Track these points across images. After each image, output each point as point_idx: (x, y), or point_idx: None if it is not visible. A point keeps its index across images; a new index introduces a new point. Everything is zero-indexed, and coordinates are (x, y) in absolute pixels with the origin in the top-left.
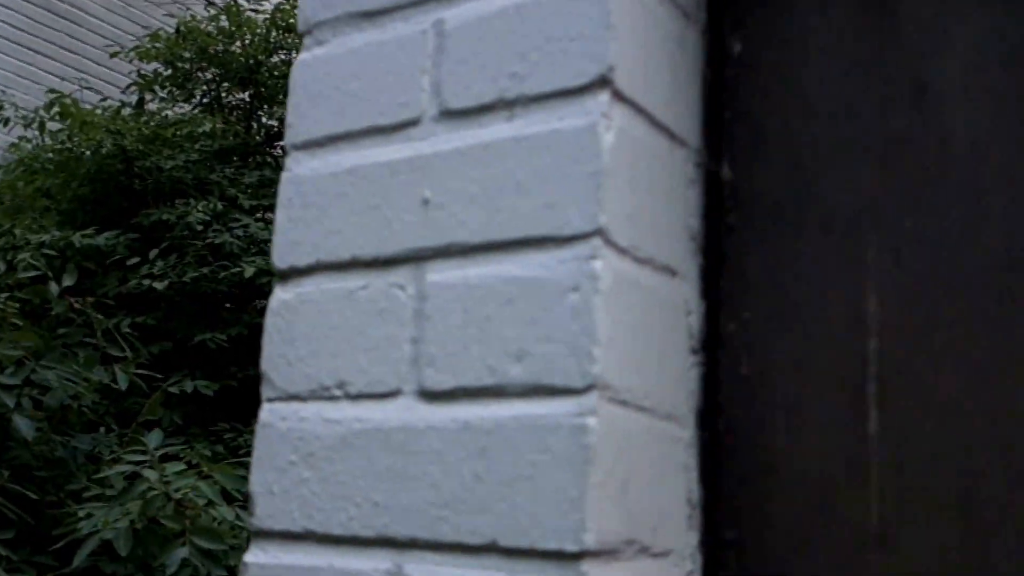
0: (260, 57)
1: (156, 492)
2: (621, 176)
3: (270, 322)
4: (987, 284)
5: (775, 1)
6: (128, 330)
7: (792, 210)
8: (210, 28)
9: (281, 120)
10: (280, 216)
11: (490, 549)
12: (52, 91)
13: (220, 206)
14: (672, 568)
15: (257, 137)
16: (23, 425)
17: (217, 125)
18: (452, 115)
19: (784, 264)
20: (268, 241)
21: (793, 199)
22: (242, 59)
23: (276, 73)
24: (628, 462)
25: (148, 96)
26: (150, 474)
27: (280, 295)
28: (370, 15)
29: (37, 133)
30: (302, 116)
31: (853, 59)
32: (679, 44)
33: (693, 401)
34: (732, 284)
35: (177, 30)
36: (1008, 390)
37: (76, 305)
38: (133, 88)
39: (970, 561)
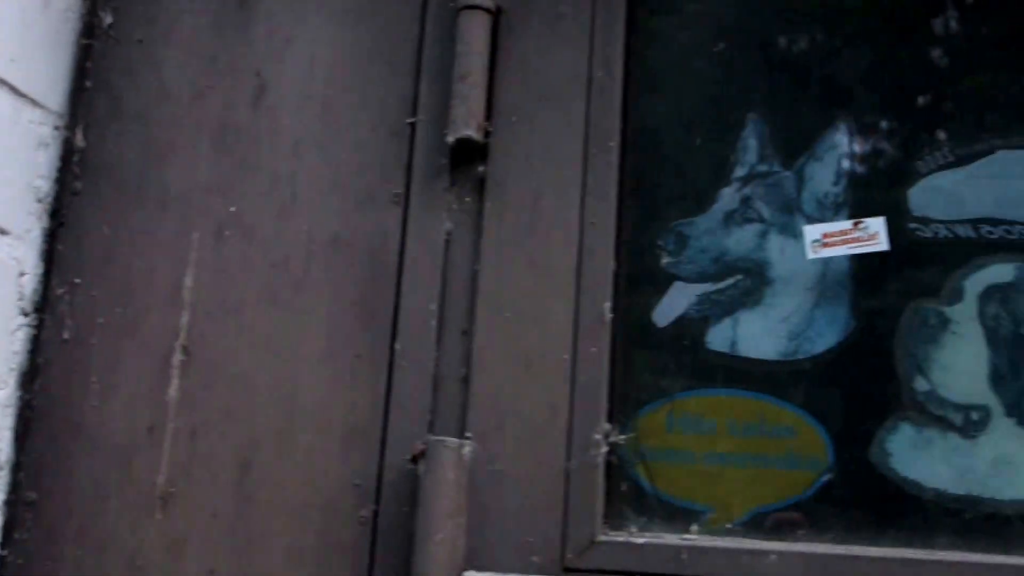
0: None
1: None
2: None
3: None
4: (288, 269)
5: None
6: None
7: (136, 183)
8: None
9: None
10: None
11: None
12: None
13: None
14: None
15: None
16: None
17: None
18: None
19: (122, 234)
20: None
21: (139, 173)
22: None
23: None
24: None
25: None
26: None
27: None
28: None
29: None
30: None
31: (210, 50)
32: (44, 5)
33: (17, 362)
34: (68, 248)
35: None
36: (291, 369)
37: None
38: None
39: (241, 524)
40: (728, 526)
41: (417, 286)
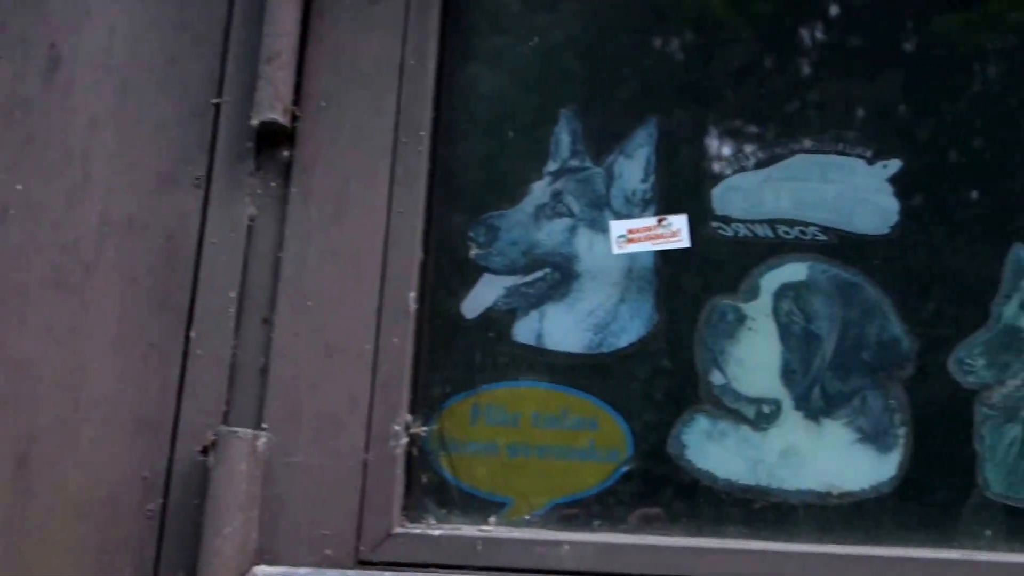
0: None
1: None
2: None
3: None
4: (78, 252)
5: None
6: None
7: None
8: None
9: None
10: None
11: None
12: None
13: None
14: None
15: None
16: None
17: None
18: None
19: None
20: None
21: None
22: None
23: None
24: None
25: None
26: None
27: None
28: None
29: None
30: None
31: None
32: None
33: None
34: None
35: None
36: (78, 357)
37: None
38: None
39: (17, 520)
40: (527, 517)
41: (216, 272)
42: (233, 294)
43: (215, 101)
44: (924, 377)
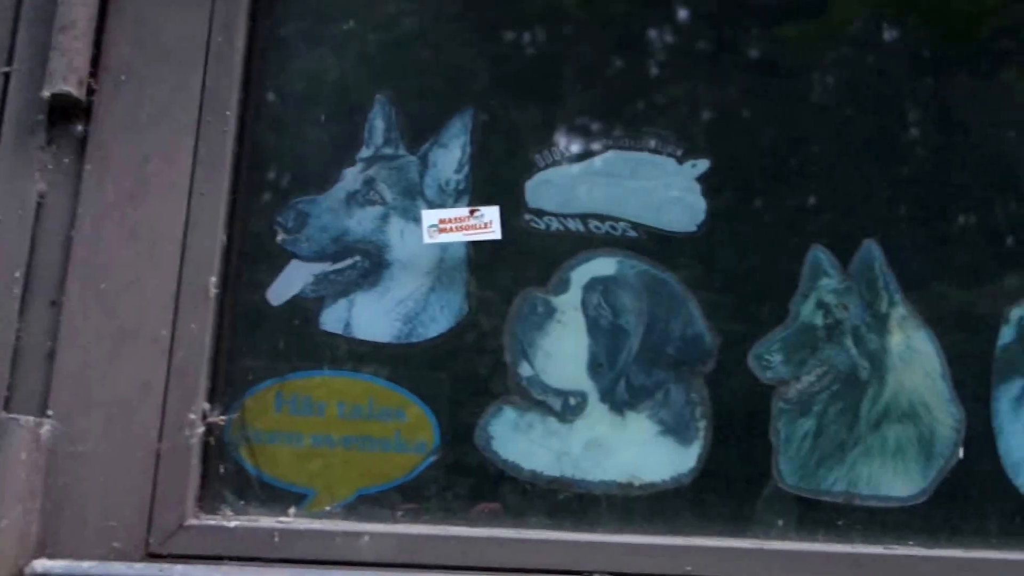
0: None
1: None
2: None
3: None
4: None
5: None
6: None
7: None
8: None
9: None
10: None
11: None
12: None
13: None
14: None
15: None
16: None
17: None
18: None
19: None
20: None
21: None
22: None
23: None
24: None
25: None
26: None
27: None
28: None
29: None
30: None
31: None
32: None
33: None
34: None
35: None
36: None
37: None
38: None
39: None
40: (329, 509)
41: (1, 251)
42: (19, 274)
43: (4, 70)
44: (725, 372)
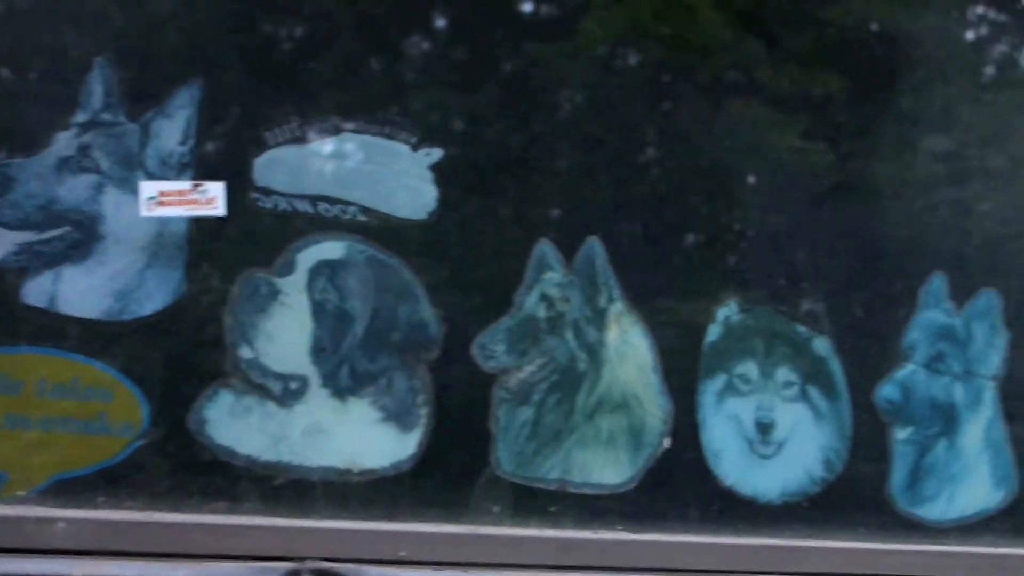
0: None
1: None
2: None
3: None
4: None
5: None
6: None
7: None
8: None
9: None
10: None
11: None
12: None
13: None
14: None
15: None
16: None
17: None
18: None
19: None
20: None
21: None
22: None
23: None
24: None
25: None
26: None
27: None
28: None
29: None
30: None
31: None
32: None
33: None
34: None
35: None
36: None
37: None
38: None
39: None
40: (23, 493)
41: None
42: None
43: None
44: (448, 360)
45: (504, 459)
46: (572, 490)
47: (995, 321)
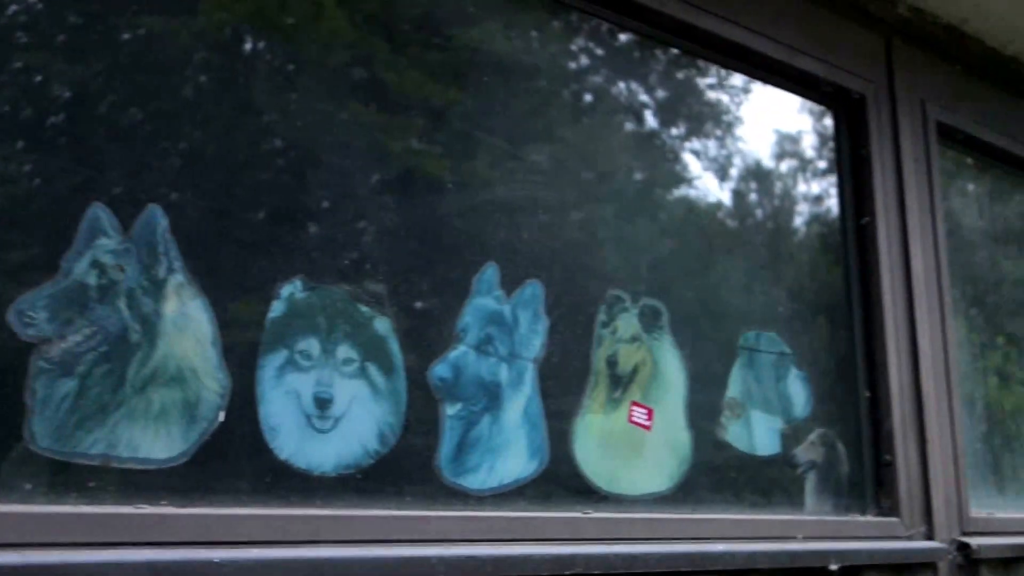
0: None
1: None
2: None
3: None
4: None
5: None
6: None
7: None
8: None
9: None
10: None
11: None
12: None
13: None
14: None
15: None
16: None
17: None
18: None
19: None
20: None
21: None
22: None
23: None
24: None
25: None
26: None
27: None
28: None
29: None
30: None
31: None
32: None
33: None
34: None
35: None
36: None
37: None
38: None
39: None
40: None
41: None
42: None
43: None
44: None
45: (40, 434)
46: (116, 465)
47: (537, 309)
